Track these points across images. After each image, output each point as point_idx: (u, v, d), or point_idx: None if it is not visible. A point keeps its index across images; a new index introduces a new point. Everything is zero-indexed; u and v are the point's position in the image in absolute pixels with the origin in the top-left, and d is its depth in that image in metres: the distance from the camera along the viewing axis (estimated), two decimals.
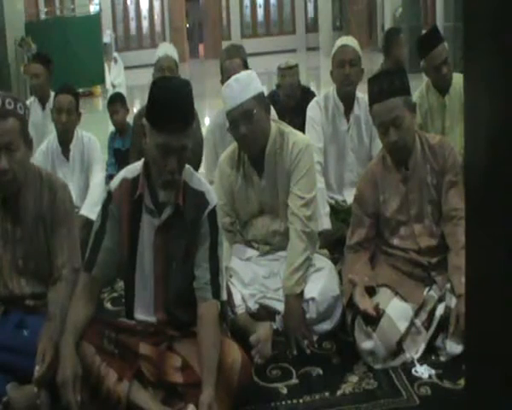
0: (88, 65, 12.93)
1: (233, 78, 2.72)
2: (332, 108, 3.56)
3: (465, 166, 1.37)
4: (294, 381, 2.41)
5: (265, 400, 2.29)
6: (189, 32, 25.69)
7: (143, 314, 2.26)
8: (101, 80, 11.87)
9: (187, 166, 2.24)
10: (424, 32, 4.74)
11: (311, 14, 25.56)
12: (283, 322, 2.62)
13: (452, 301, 2.46)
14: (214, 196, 2.26)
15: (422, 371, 2.38)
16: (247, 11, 25.67)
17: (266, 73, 11.99)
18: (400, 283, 2.58)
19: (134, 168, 2.26)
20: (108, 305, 3.18)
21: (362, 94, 3.39)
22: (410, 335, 2.48)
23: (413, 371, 2.39)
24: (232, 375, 2.09)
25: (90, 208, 3.43)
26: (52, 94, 4.41)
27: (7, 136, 2.19)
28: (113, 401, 2.05)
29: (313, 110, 3.58)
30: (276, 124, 2.81)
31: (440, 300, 2.53)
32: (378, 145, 2.91)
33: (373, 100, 2.59)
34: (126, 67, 9.96)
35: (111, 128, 5.10)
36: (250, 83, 2.68)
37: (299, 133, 2.85)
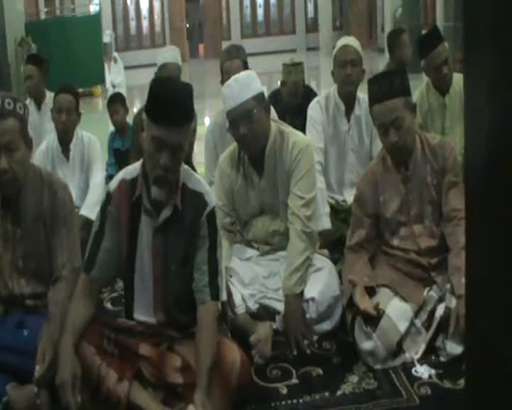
0: (88, 65, 12.92)
1: (233, 78, 2.72)
2: (333, 108, 3.56)
3: (465, 167, 1.37)
4: (294, 381, 2.41)
5: (265, 400, 2.29)
6: (189, 32, 25.69)
7: (143, 315, 2.26)
8: (101, 80, 11.86)
9: (186, 167, 2.24)
10: (424, 32, 4.74)
11: (311, 14, 25.58)
12: (283, 322, 2.62)
13: (452, 302, 2.46)
14: (213, 198, 2.25)
15: (422, 371, 2.38)
16: (247, 11, 25.69)
17: (266, 73, 11.99)
18: (400, 283, 2.58)
19: (132, 169, 2.26)
20: (108, 305, 3.18)
21: (363, 94, 3.39)
22: (410, 335, 2.48)
23: (413, 371, 2.39)
24: (231, 375, 2.09)
25: (90, 208, 3.43)
26: (47, 94, 4.43)
27: (6, 136, 2.20)
28: (113, 402, 2.04)
29: (314, 110, 3.58)
30: (276, 124, 2.81)
31: (440, 300, 2.53)
32: (378, 145, 2.91)
33: (373, 101, 2.59)
34: (126, 67, 9.96)
35: (111, 128, 5.10)
36: (250, 83, 2.68)
37: (299, 133, 2.85)
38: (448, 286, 2.52)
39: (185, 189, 2.20)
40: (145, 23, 24.76)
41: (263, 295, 2.69)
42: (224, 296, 2.30)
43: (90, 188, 3.68)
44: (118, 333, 2.18)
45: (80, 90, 9.57)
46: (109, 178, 3.90)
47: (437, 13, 14.13)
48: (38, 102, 4.54)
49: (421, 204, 2.64)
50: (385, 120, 2.54)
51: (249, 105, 2.63)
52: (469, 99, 1.30)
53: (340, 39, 3.68)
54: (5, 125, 2.20)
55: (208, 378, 2.02)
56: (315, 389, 2.34)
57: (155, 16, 24.75)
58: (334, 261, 2.97)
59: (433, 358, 2.46)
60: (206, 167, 3.50)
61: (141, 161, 2.22)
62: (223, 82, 3.14)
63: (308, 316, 2.62)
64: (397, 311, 2.48)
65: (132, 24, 24.61)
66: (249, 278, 2.72)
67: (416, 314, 2.51)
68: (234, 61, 3.46)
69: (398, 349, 2.45)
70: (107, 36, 11.80)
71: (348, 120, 3.54)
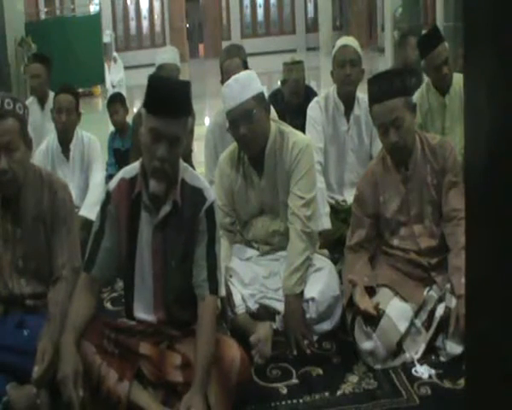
0: (88, 65, 12.93)
1: (233, 78, 2.72)
2: (332, 108, 3.56)
3: (465, 166, 1.37)
4: (294, 381, 2.41)
5: (265, 400, 2.29)
6: (189, 32, 25.69)
7: (143, 314, 2.26)
8: (101, 80, 11.86)
9: (185, 164, 2.24)
10: (424, 32, 4.73)
11: (311, 14, 25.56)
12: (283, 322, 2.62)
13: (452, 302, 2.46)
14: (212, 193, 2.26)
15: (422, 371, 2.38)
16: (247, 11, 25.67)
17: (266, 73, 11.99)
18: (400, 283, 2.58)
19: (132, 168, 2.27)
20: (108, 305, 3.18)
21: (362, 94, 3.40)
22: (410, 335, 2.48)
23: (413, 371, 2.39)
24: (231, 372, 2.09)
25: (90, 208, 3.43)
26: (51, 94, 4.42)
27: (6, 136, 2.20)
28: (113, 402, 2.04)
29: (313, 110, 3.58)
30: (275, 124, 2.81)
31: (440, 300, 2.53)
32: (378, 145, 2.92)
33: (373, 100, 2.59)
34: (126, 67, 9.96)
35: (111, 128, 5.10)
36: (250, 83, 2.68)
37: (299, 133, 2.85)
38: (448, 286, 2.52)
39: (184, 184, 2.21)
40: (145, 23, 24.74)
41: (263, 295, 2.69)
42: (223, 292, 2.30)
43: (89, 188, 3.68)
44: (118, 333, 2.18)
45: (80, 90, 9.56)
46: (109, 177, 3.90)
47: (437, 13, 14.11)
48: (42, 102, 4.53)
49: (421, 204, 2.64)
50: (385, 119, 2.54)
51: (249, 105, 2.63)
52: (469, 99, 1.30)
53: (339, 39, 3.68)
54: (5, 125, 2.20)
55: (206, 374, 2.03)
56: (315, 389, 2.34)
57: (155, 16, 24.74)
58: (334, 261, 2.97)
59: (433, 358, 2.46)
60: (206, 167, 3.50)
61: (140, 160, 2.23)
62: (223, 82, 3.14)
63: (308, 316, 2.62)
64: (397, 311, 2.48)
65: (132, 24, 24.59)
66: (249, 278, 2.72)
67: (416, 314, 2.51)
68: (233, 60, 3.46)
69: (398, 349, 2.45)
70: (107, 36, 11.82)
71: (348, 120, 3.54)
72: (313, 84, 10.06)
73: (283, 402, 2.28)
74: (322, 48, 20.78)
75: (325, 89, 4.04)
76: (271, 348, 2.53)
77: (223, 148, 3.15)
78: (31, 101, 4.54)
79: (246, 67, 3.41)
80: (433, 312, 2.52)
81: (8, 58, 11.27)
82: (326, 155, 3.55)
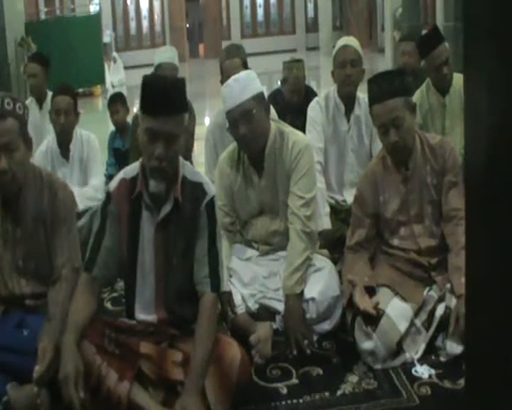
0: (88, 65, 12.93)
1: (232, 78, 2.72)
2: (332, 108, 3.55)
3: (465, 166, 1.37)
4: (294, 381, 2.41)
5: (265, 400, 2.29)
6: (189, 32, 25.69)
7: (144, 313, 2.26)
8: (101, 80, 11.88)
9: (184, 161, 2.25)
10: (424, 32, 4.73)
11: (311, 14, 25.56)
12: (283, 322, 2.62)
13: (452, 302, 2.46)
14: (212, 188, 2.27)
15: (422, 371, 2.38)
16: (247, 11, 25.66)
17: (266, 73, 11.99)
18: (400, 283, 2.58)
19: (132, 168, 2.28)
20: (108, 305, 3.18)
21: (362, 94, 3.39)
22: (410, 335, 2.48)
23: (413, 371, 2.39)
24: (231, 372, 2.09)
25: (80, 199, 3.36)
26: (49, 94, 4.42)
27: (6, 136, 2.20)
28: (113, 402, 2.04)
29: (314, 110, 3.58)
30: (275, 124, 2.81)
31: (440, 300, 2.53)
32: (378, 145, 2.91)
33: (373, 100, 2.59)
34: (126, 67, 9.98)
35: (111, 128, 5.10)
36: (250, 83, 2.68)
37: (299, 133, 2.85)
38: (448, 286, 2.52)
39: (185, 181, 2.22)
40: (145, 23, 24.73)
41: (263, 295, 2.69)
42: (225, 287, 2.30)
43: (87, 187, 3.67)
44: (118, 333, 2.18)
45: (80, 90, 9.60)
46: (109, 178, 3.90)
47: (437, 13, 14.12)
48: (40, 102, 4.54)
49: (421, 204, 2.64)
50: (385, 119, 2.54)
51: (249, 105, 2.63)
52: (469, 99, 1.30)
53: (339, 39, 3.68)
54: (5, 125, 2.20)
55: (201, 373, 2.02)
56: (315, 389, 2.34)
57: (155, 16, 24.73)
58: (334, 261, 2.96)
59: (433, 358, 2.46)
60: (206, 167, 3.50)
61: (140, 160, 2.23)
62: (223, 81, 3.14)
63: (308, 316, 2.62)
64: (397, 311, 2.48)
65: (132, 24, 24.58)
66: (249, 278, 2.72)
67: (416, 314, 2.51)
68: (233, 59, 3.46)
69: (398, 349, 2.45)
70: (107, 36, 11.84)
71: (348, 120, 3.54)
72: (313, 84, 10.07)
73: (283, 402, 2.28)
74: (322, 48, 20.78)
75: (325, 89, 4.04)
76: (271, 348, 2.54)
77: (223, 148, 3.15)
78: (29, 101, 4.54)
79: (246, 67, 3.40)
80: (433, 312, 2.51)
81: (8, 58, 11.26)
82: (326, 155, 3.54)
